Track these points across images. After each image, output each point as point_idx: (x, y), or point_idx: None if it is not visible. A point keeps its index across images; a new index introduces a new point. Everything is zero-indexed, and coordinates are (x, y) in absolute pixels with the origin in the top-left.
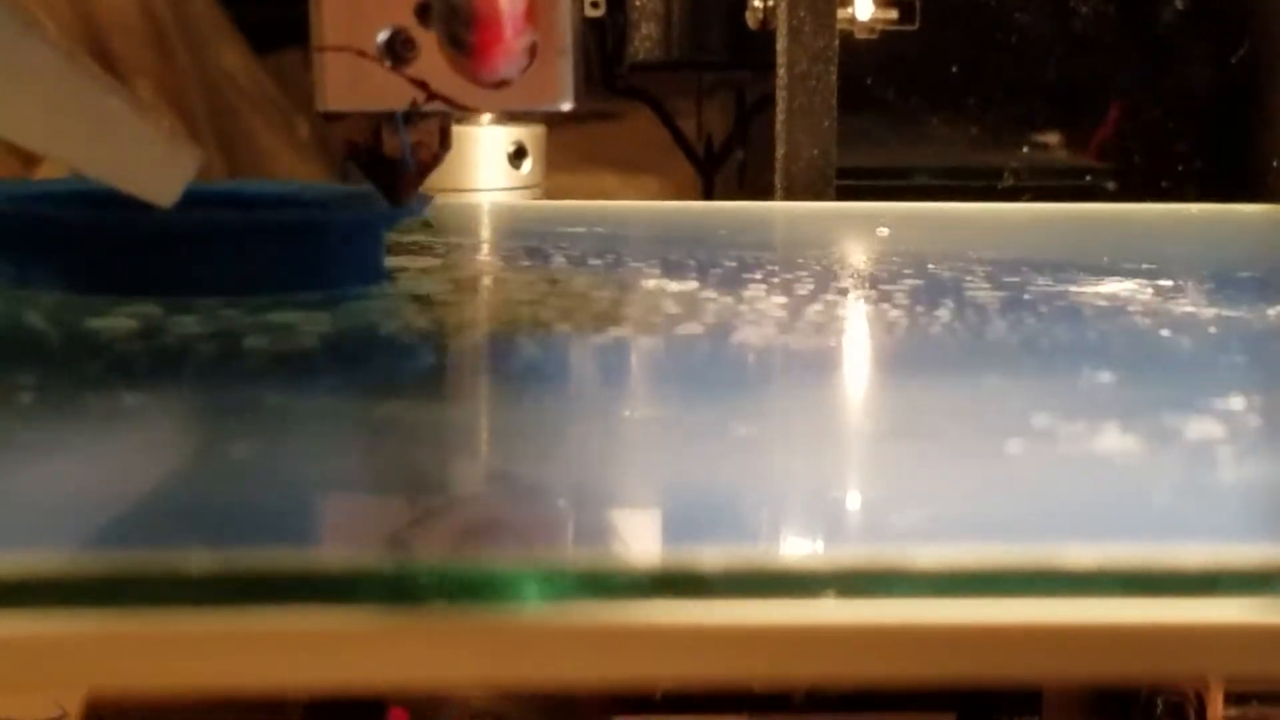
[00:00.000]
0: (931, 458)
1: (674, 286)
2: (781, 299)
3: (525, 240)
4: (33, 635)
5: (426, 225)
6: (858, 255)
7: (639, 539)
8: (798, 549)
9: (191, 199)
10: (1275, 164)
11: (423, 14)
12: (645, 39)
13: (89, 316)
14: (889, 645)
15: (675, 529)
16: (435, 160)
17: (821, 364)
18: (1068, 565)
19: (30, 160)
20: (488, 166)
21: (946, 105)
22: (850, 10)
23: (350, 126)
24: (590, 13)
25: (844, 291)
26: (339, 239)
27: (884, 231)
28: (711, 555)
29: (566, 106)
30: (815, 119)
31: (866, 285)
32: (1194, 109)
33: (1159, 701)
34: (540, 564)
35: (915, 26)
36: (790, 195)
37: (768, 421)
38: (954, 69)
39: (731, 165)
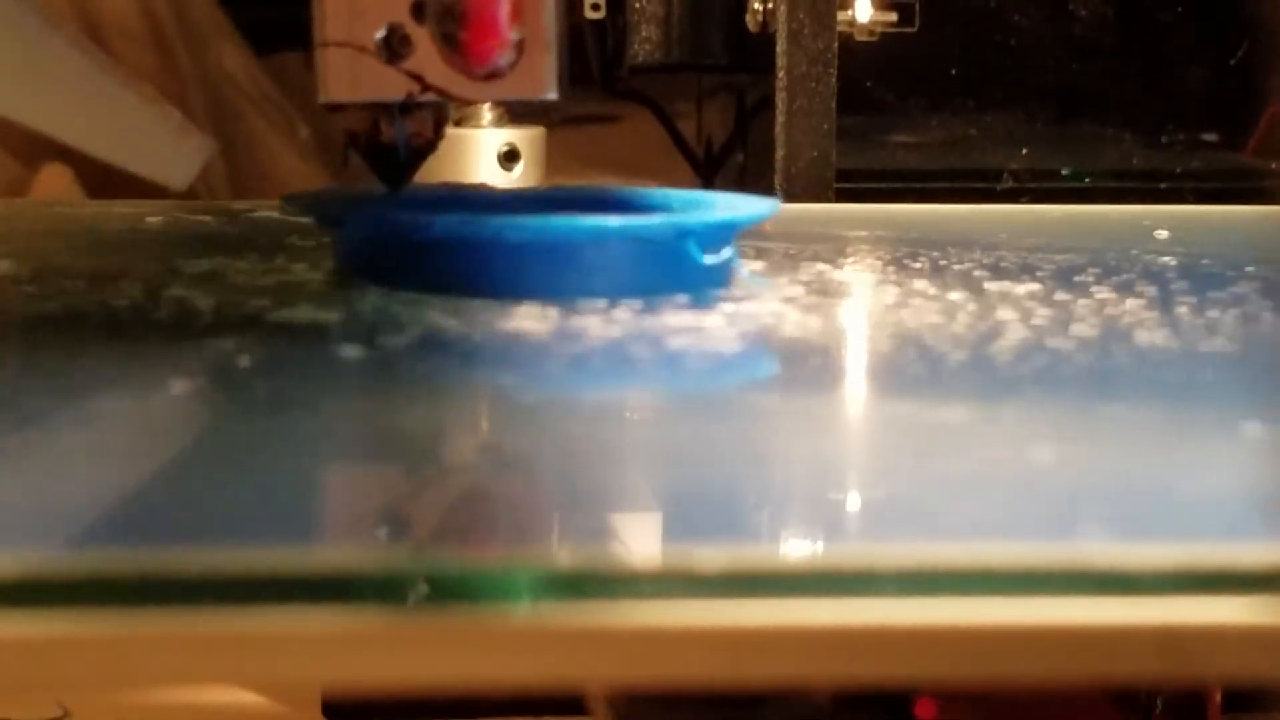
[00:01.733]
0: None
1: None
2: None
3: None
4: (33, 635)
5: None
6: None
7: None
8: (798, 550)
9: (545, 203)
10: (1275, 164)
11: (418, 12)
12: (645, 41)
13: (494, 318)
14: (889, 645)
15: None
16: (430, 148)
17: None
18: (1068, 565)
19: (31, 164)
20: (479, 169)
21: (946, 107)
22: (850, 12)
23: (350, 117)
24: (590, 15)
25: None
26: (701, 243)
27: (1163, 234)
28: (713, 555)
29: (552, 96)
30: (815, 121)
31: None
32: (1194, 109)
33: (1159, 702)
34: (540, 564)
35: (914, 29)
36: (790, 197)
37: None
38: (953, 71)
39: (731, 167)
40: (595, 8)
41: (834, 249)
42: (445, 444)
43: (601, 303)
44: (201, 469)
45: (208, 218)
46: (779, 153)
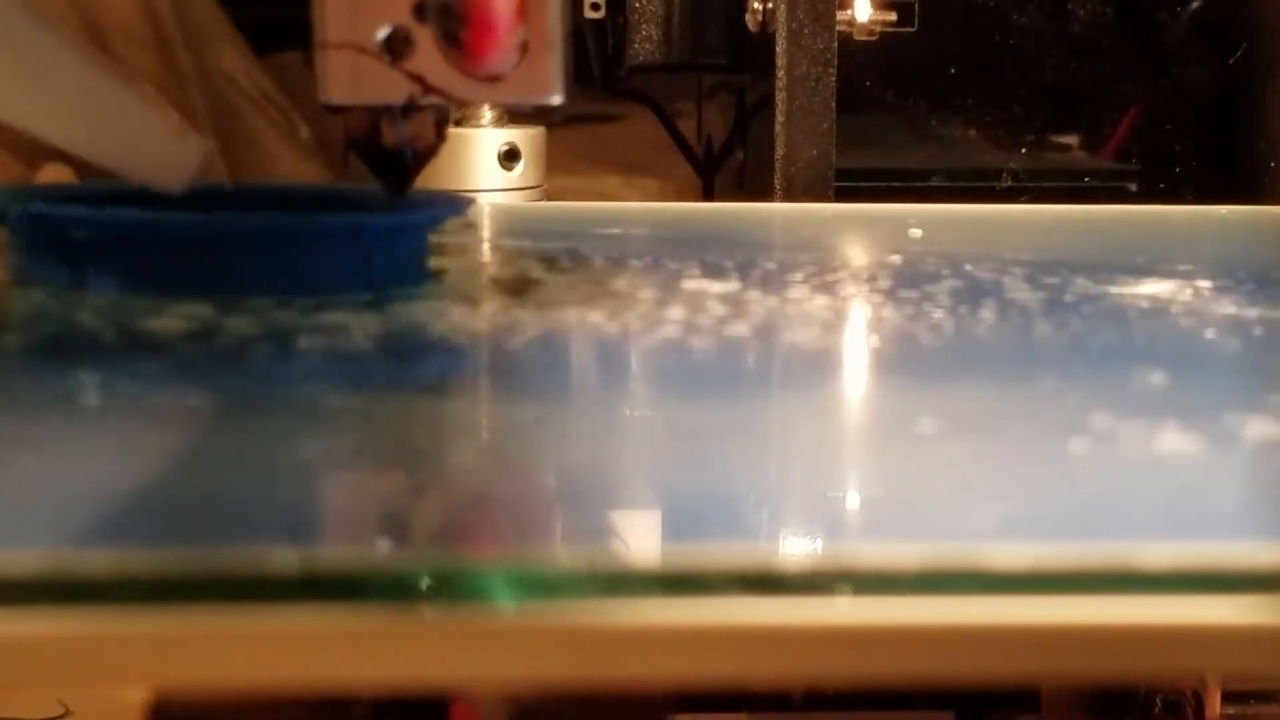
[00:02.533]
0: None
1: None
2: None
3: (562, 241)
4: (33, 635)
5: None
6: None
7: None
8: (800, 550)
9: (238, 200)
10: (1274, 164)
11: (420, 12)
12: (645, 41)
13: (145, 317)
14: (889, 645)
15: None
16: (432, 151)
17: None
18: (1069, 565)
19: (31, 163)
20: (480, 168)
21: (945, 107)
22: (849, 12)
23: (351, 119)
24: (590, 14)
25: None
26: (384, 240)
27: (917, 233)
28: (715, 555)
29: (557, 100)
30: (814, 120)
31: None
32: (1194, 109)
33: (1158, 701)
34: (539, 564)
35: (914, 28)
36: (789, 196)
37: None
38: (952, 71)
39: (731, 166)
40: (595, 7)
41: (581, 246)
42: None
43: (267, 302)
44: None
45: None
46: (779, 152)
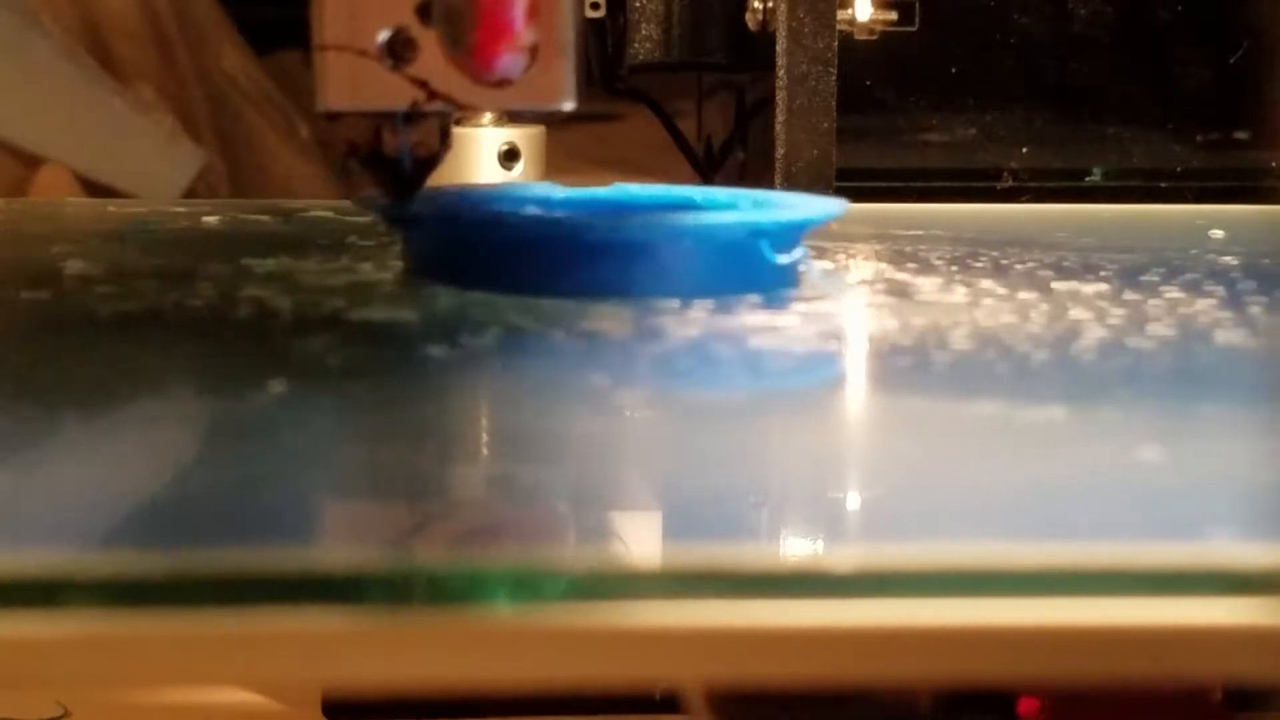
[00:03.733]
0: None
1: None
2: None
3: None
4: (33, 635)
5: None
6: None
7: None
8: (798, 550)
9: (606, 203)
10: (1275, 164)
11: (424, 13)
12: (645, 40)
13: (577, 319)
14: (889, 645)
15: None
16: (435, 160)
17: None
18: (1068, 565)
19: (30, 164)
20: (480, 168)
21: (946, 106)
22: (850, 11)
23: (351, 126)
24: (590, 14)
25: None
26: (774, 242)
27: (1218, 234)
28: (717, 555)
29: (568, 106)
30: (815, 120)
31: None
32: (1194, 109)
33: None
34: (540, 564)
35: (914, 28)
36: None
37: None
38: (953, 70)
39: (731, 166)
40: (595, 7)
41: (889, 249)
42: (554, 441)
43: (674, 303)
44: (305, 467)
45: (265, 217)
46: (779, 152)
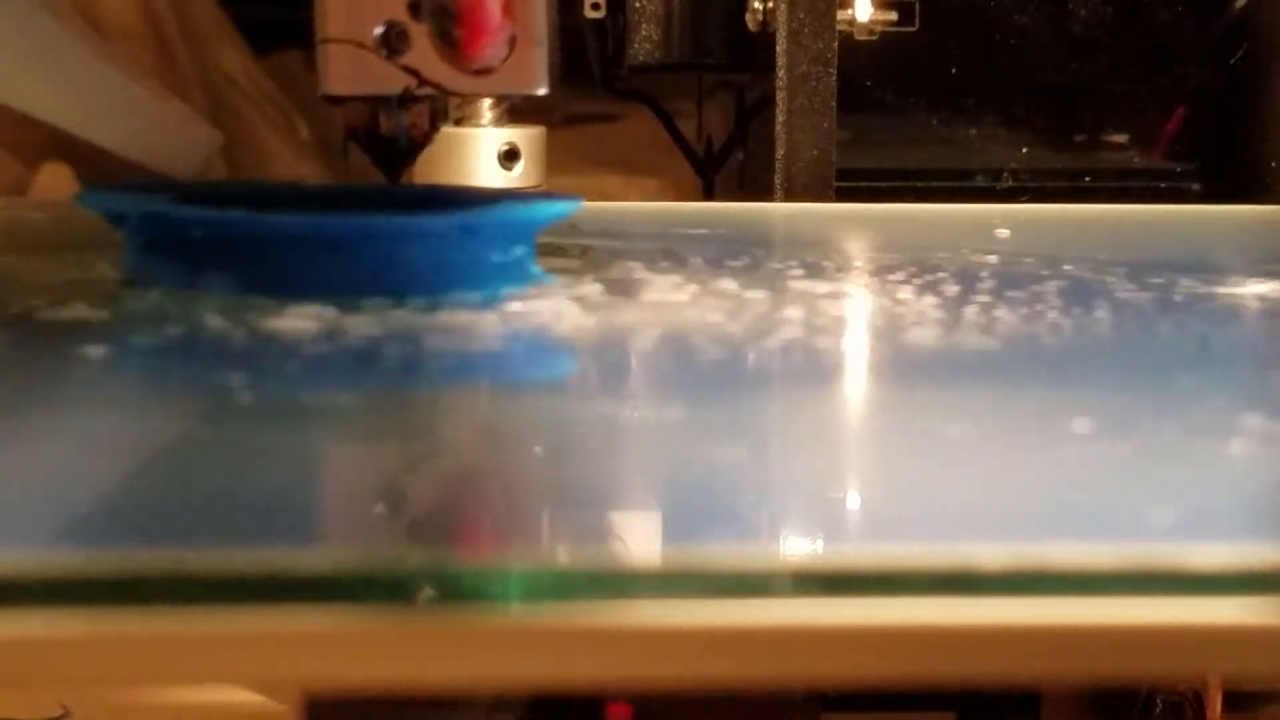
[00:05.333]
0: None
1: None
2: None
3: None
4: (33, 635)
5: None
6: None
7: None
8: (798, 550)
9: (335, 200)
10: (1275, 164)
11: (415, 10)
12: (645, 40)
13: (269, 317)
14: (889, 645)
15: None
16: (426, 140)
17: None
18: (1068, 565)
19: (31, 163)
20: (480, 168)
21: (946, 106)
22: (850, 12)
23: (350, 110)
24: (590, 14)
25: None
26: (499, 240)
27: (1004, 233)
28: (718, 555)
29: (542, 91)
30: (815, 120)
31: None
32: (1194, 109)
33: (1159, 701)
34: (540, 564)
35: (914, 28)
36: (790, 196)
37: None
38: (953, 70)
39: (732, 166)
40: (595, 7)
41: (657, 248)
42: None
43: (386, 301)
44: None
45: (42, 215)
46: (779, 152)
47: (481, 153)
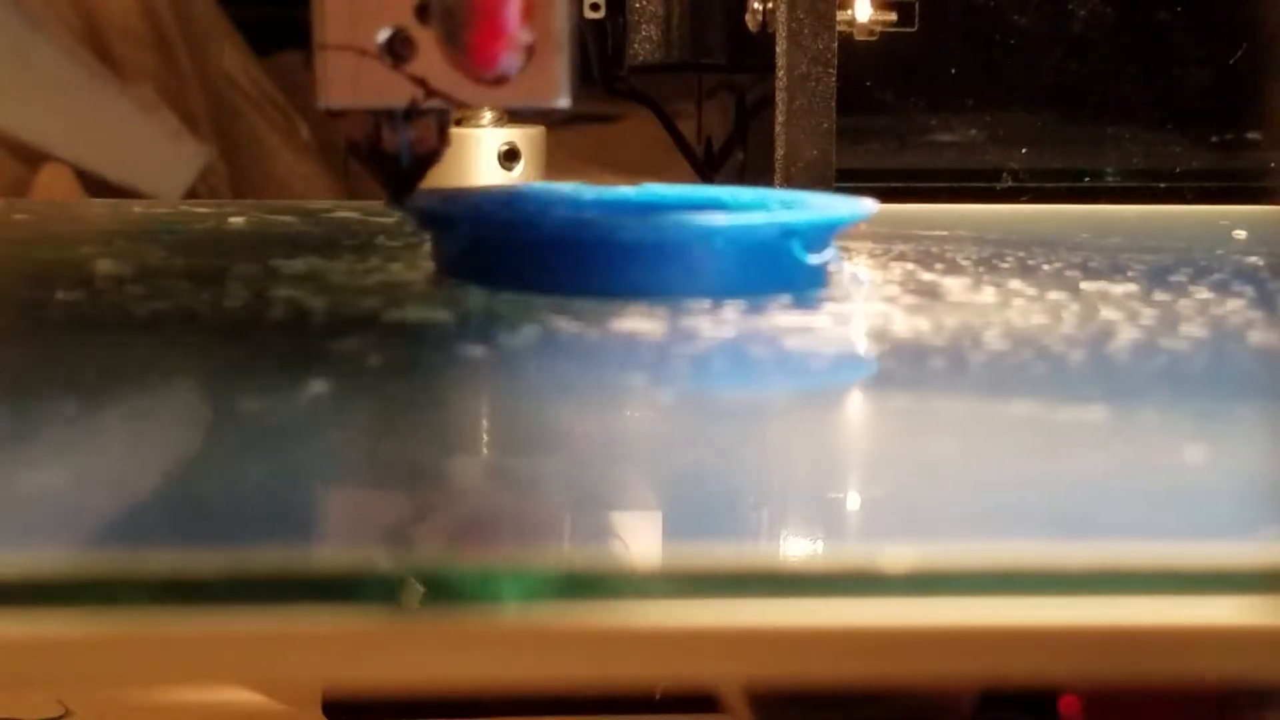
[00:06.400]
0: None
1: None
2: None
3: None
4: (33, 635)
5: None
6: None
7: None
8: (798, 550)
9: (636, 203)
10: (1275, 164)
11: (422, 13)
12: (645, 41)
13: (609, 318)
14: (890, 646)
15: None
16: (434, 156)
17: None
18: (1068, 566)
19: (31, 162)
20: (480, 168)
21: (946, 107)
22: (849, 12)
23: (352, 123)
24: (590, 14)
25: None
26: (806, 243)
27: (1241, 234)
28: (717, 556)
29: (564, 104)
30: (815, 120)
31: None
32: (1194, 109)
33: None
34: (540, 565)
35: (914, 28)
36: None
37: None
38: (953, 71)
39: (731, 167)
40: (595, 7)
41: (914, 250)
42: (597, 443)
43: (706, 303)
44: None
45: (289, 218)
46: (779, 152)
47: (481, 153)
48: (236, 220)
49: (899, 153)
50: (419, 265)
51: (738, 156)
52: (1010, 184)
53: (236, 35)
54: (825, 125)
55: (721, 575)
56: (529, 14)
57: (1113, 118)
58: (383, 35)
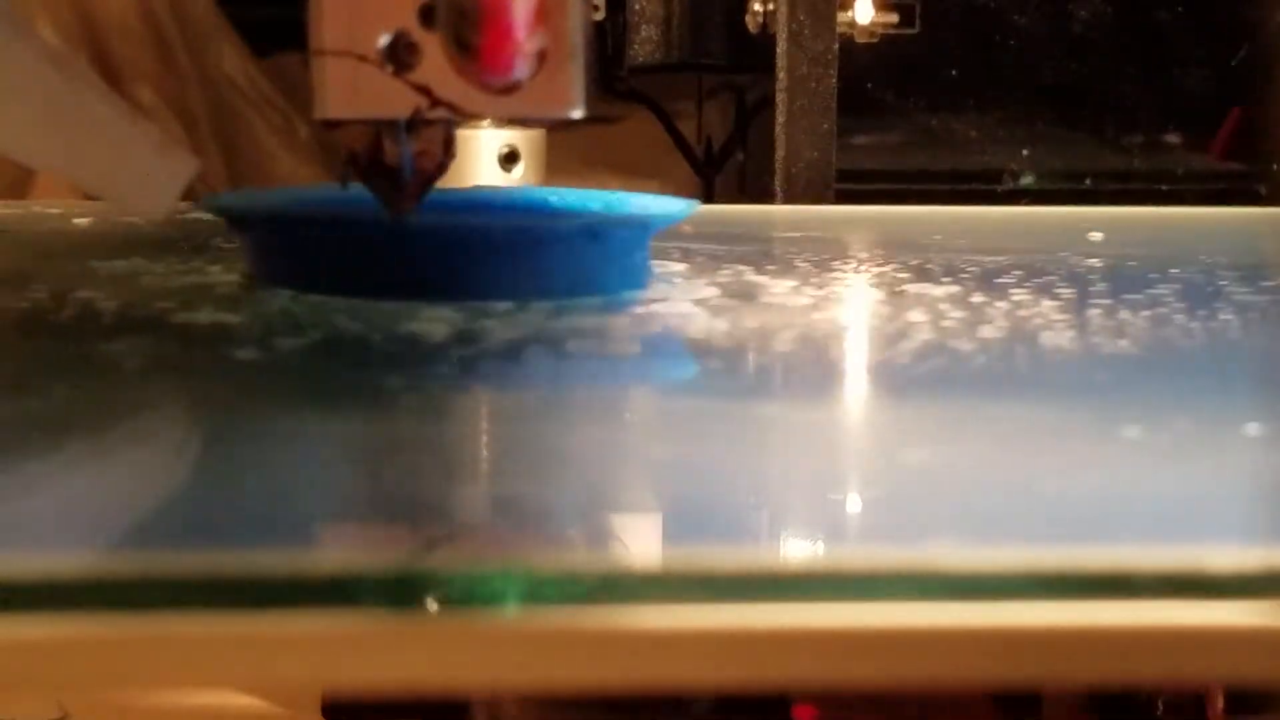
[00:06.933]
0: None
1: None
2: None
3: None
4: (33, 635)
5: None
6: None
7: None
8: (798, 551)
9: (465, 204)
10: (1275, 165)
11: (426, 16)
12: (645, 42)
13: (400, 321)
14: (890, 646)
15: None
16: (440, 170)
17: None
18: (1068, 567)
19: (28, 166)
20: (479, 169)
21: (946, 108)
22: (850, 14)
23: (351, 132)
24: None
25: None
26: (622, 244)
27: (1097, 236)
28: (716, 556)
29: (577, 114)
30: (815, 122)
31: None
32: (1194, 109)
33: (1159, 705)
34: (540, 566)
35: (915, 30)
36: (790, 197)
37: None
38: (953, 72)
39: (731, 168)
40: (595, 8)
41: (757, 250)
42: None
43: (509, 305)
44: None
45: (137, 219)
46: (779, 153)
47: (481, 154)
48: (81, 221)
49: (899, 153)
50: (239, 269)
51: (738, 157)
52: (1010, 186)
53: (235, 37)
54: (825, 126)
55: (723, 576)
56: (541, 18)
57: (1114, 119)
58: (384, 40)
